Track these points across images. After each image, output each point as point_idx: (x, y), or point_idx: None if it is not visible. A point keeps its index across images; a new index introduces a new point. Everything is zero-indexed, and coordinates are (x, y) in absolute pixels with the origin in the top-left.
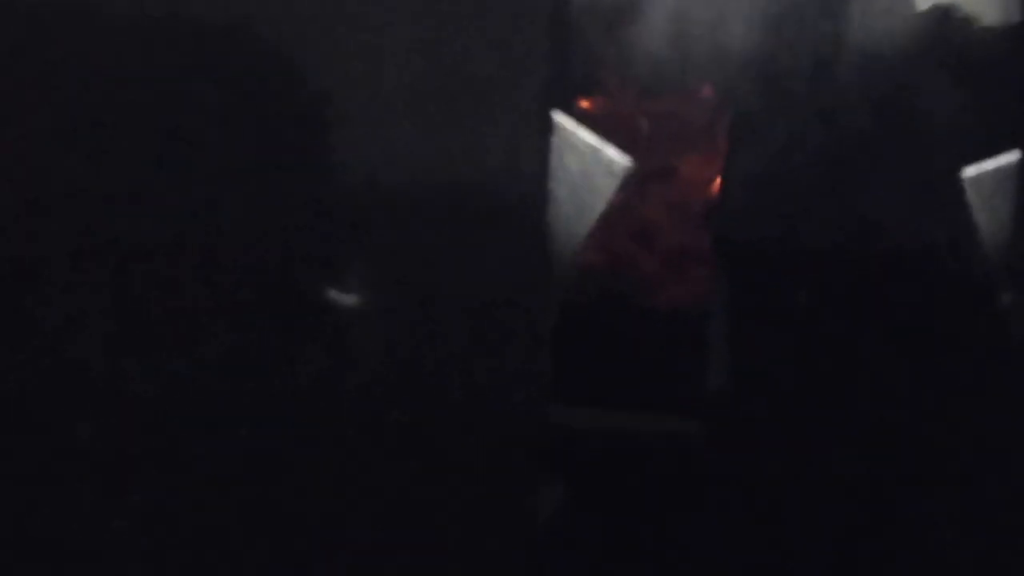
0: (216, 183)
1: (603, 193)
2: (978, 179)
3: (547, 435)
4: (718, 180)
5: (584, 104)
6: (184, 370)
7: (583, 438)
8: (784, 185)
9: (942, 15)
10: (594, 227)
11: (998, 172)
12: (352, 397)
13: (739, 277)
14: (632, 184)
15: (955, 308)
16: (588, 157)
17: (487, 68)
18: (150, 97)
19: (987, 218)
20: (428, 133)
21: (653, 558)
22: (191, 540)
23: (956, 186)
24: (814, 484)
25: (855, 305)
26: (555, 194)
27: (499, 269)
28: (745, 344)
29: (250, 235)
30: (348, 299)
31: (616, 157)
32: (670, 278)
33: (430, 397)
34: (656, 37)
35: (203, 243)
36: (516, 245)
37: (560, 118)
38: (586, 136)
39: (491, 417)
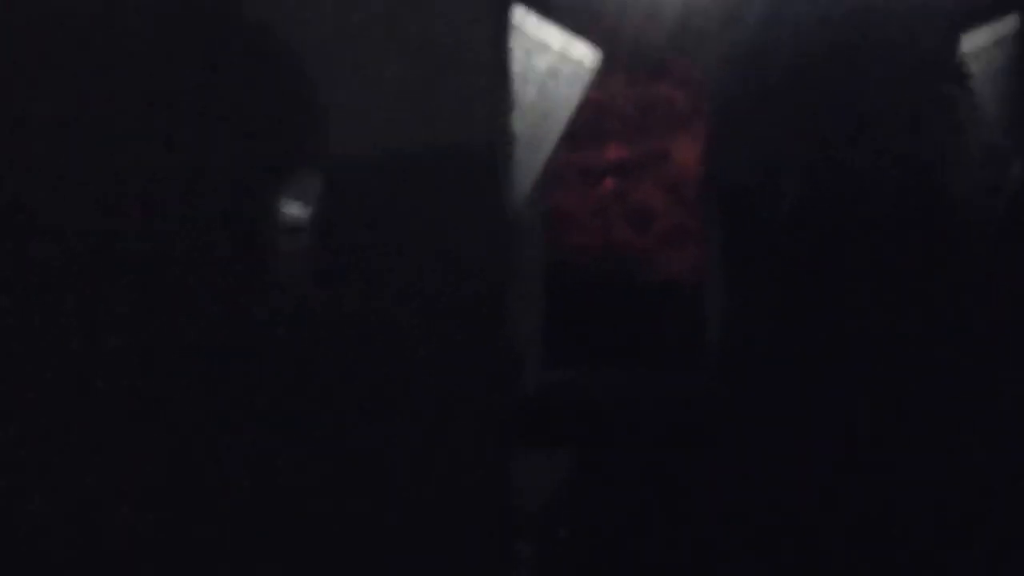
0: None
1: (574, 92)
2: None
3: (536, 402)
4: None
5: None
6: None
7: (574, 404)
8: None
9: None
10: (584, 215)
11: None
12: (319, 361)
13: (732, 249)
14: (626, 170)
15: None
16: (556, 55)
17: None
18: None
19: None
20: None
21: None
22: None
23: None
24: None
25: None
26: (522, 95)
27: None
28: (741, 314)
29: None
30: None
31: (586, 53)
32: (666, 257)
33: (394, 362)
34: (641, 19)
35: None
36: (477, 181)
37: (523, 16)
38: (554, 33)
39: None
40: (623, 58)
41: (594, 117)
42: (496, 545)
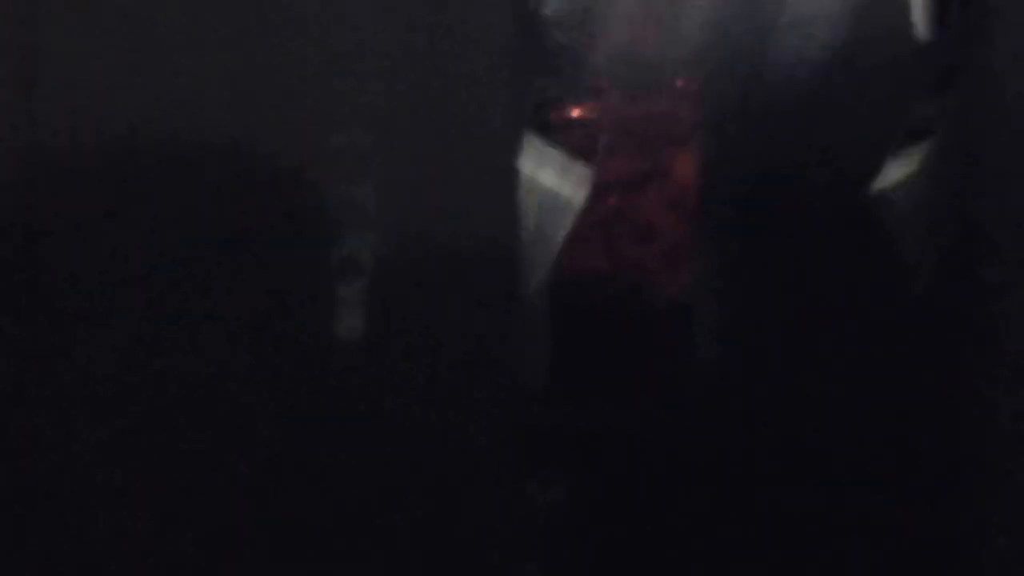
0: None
1: (573, 206)
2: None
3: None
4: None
5: (574, 112)
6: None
7: (582, 434)
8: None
9: None
10: (590, 231)
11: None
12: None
13: (726, 265)
14: (629, 187)
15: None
16: (559, 174)
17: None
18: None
19: None
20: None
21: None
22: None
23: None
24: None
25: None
26: (528, 211)
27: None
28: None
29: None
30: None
31: (584, 170)
32: (670, 274)
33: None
34: (636, 36)
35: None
36: (491, 267)
37: (530, 137)
38: (556, 153)
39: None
40: (623, 75)
41: (595, 134)
42: (504, 570)
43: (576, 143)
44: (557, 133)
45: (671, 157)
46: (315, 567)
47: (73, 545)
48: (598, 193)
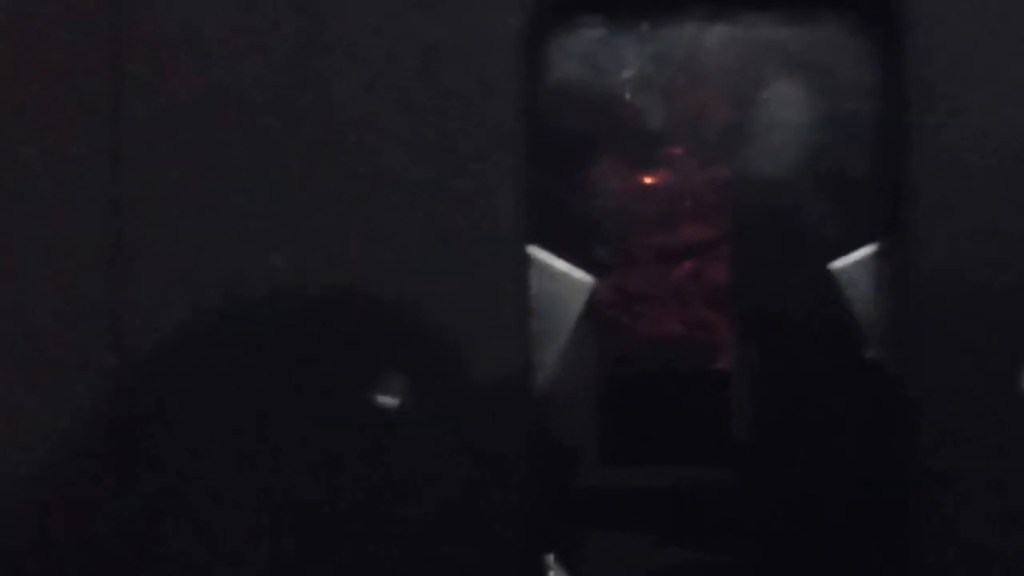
0: None
1: (573, 311)
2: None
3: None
4: None
5: (646, 179)
6: None
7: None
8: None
9: None
10: (666, 296)
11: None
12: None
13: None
14: (700, 250)
15: None
16: (560, 281)
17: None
18: None
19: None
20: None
21: None
22: None
23: None
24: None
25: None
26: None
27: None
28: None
29: None
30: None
31: (583, 277)
32: (735, 338)
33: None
34: (706, 107)
35: None
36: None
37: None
38: (557, 263)
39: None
40: (694, 140)
41: (669, 199)
42: None
43: (645, 211)
44: (626, 202)
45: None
46: None
47: None
48: (673, 258)
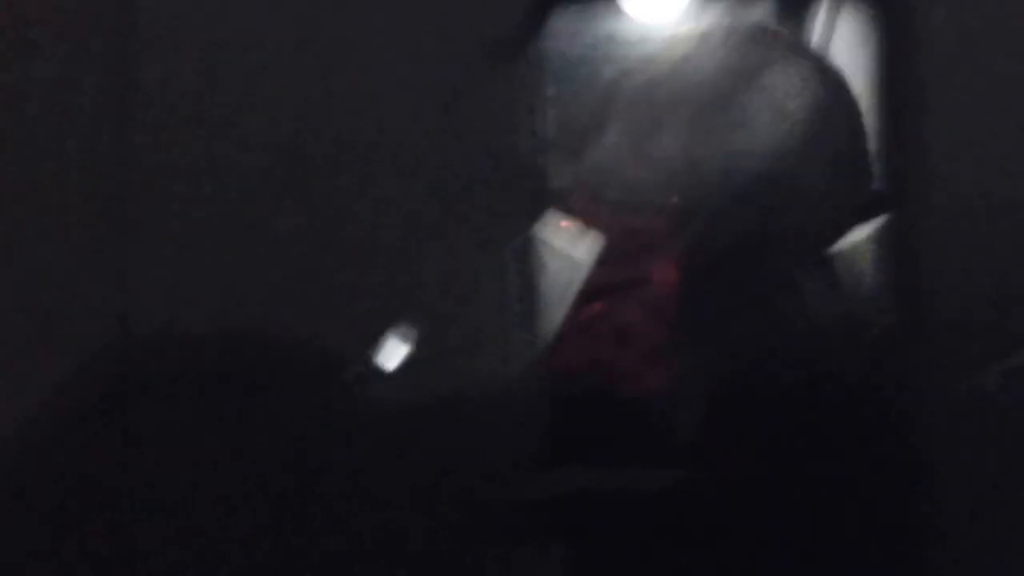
0: None
1: (573, 289)
2: None
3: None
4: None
5: (563, 224)
6: None
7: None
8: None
9: None
10: (574, 334)
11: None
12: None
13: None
14: (610, 293)
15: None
16: (561, 261)
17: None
18: None
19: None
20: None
21: None
22: None
23: None
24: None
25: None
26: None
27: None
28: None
29: None
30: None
31: (583, 258)
32: (648, 372)
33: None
34: (622, 156)
35: None
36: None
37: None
38: (560, 242)
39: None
40: (611, 192)
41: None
42: None
43: None
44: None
45: (651, 266)
46: None
47: None
48: (584, 299)
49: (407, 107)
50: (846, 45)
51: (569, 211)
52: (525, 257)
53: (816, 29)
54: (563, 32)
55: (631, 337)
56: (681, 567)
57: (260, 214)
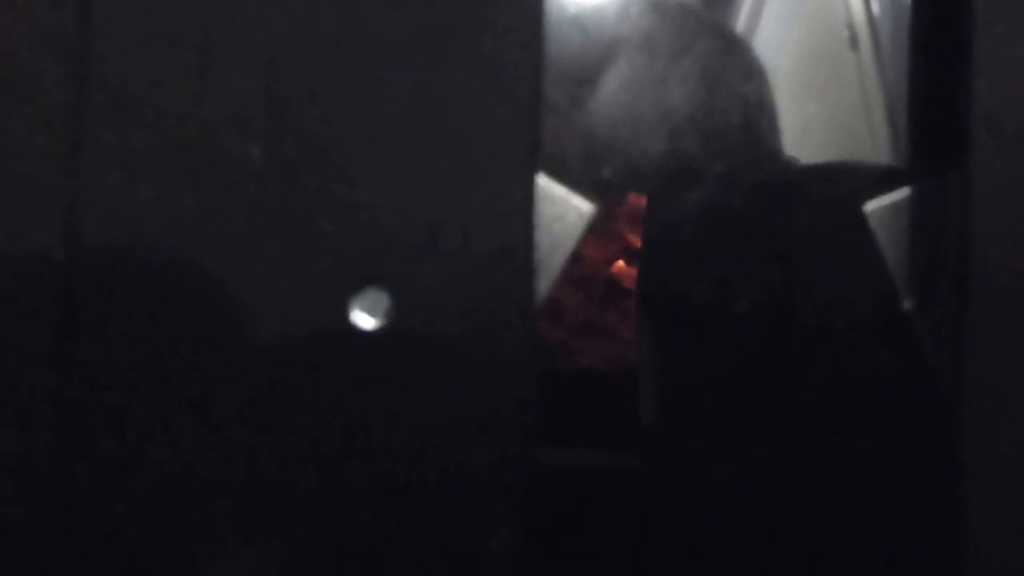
0: None
1: (573, 235)
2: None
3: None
4: (617, 260)
5: None
6: None
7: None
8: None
9: None
10: None
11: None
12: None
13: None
14: None
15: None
16: (560, 205)
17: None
18: None
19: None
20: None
21: None
22: None
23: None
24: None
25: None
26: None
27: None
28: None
29: None
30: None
31: (582, 204)
32: (579, 347)
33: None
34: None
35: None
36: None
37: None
38: (556, 187)
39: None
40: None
41: None
42: None
43: None
44: None
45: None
46: None
47: None
48: None
49: (392, 53)
50: (775, 20)
51: None
52: None
53: (744, 4)
54: None
55: (559, 313)
56: (637, 546)
57: (233, 151)
